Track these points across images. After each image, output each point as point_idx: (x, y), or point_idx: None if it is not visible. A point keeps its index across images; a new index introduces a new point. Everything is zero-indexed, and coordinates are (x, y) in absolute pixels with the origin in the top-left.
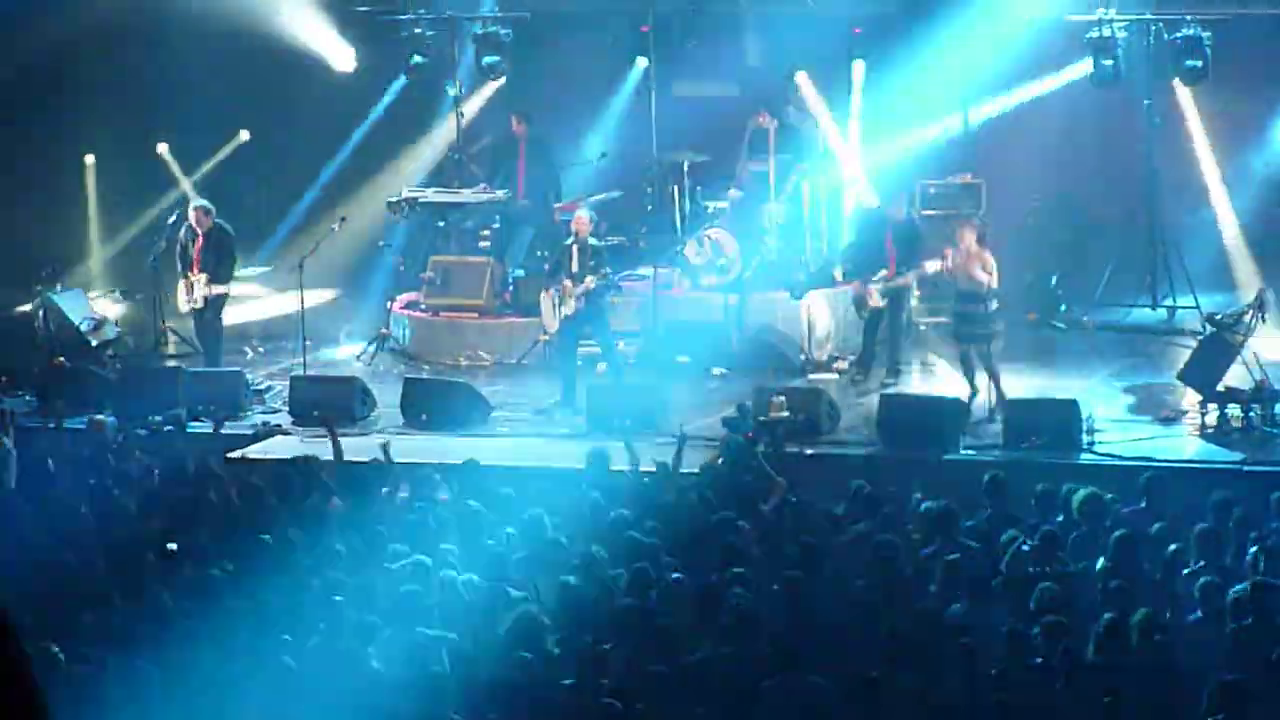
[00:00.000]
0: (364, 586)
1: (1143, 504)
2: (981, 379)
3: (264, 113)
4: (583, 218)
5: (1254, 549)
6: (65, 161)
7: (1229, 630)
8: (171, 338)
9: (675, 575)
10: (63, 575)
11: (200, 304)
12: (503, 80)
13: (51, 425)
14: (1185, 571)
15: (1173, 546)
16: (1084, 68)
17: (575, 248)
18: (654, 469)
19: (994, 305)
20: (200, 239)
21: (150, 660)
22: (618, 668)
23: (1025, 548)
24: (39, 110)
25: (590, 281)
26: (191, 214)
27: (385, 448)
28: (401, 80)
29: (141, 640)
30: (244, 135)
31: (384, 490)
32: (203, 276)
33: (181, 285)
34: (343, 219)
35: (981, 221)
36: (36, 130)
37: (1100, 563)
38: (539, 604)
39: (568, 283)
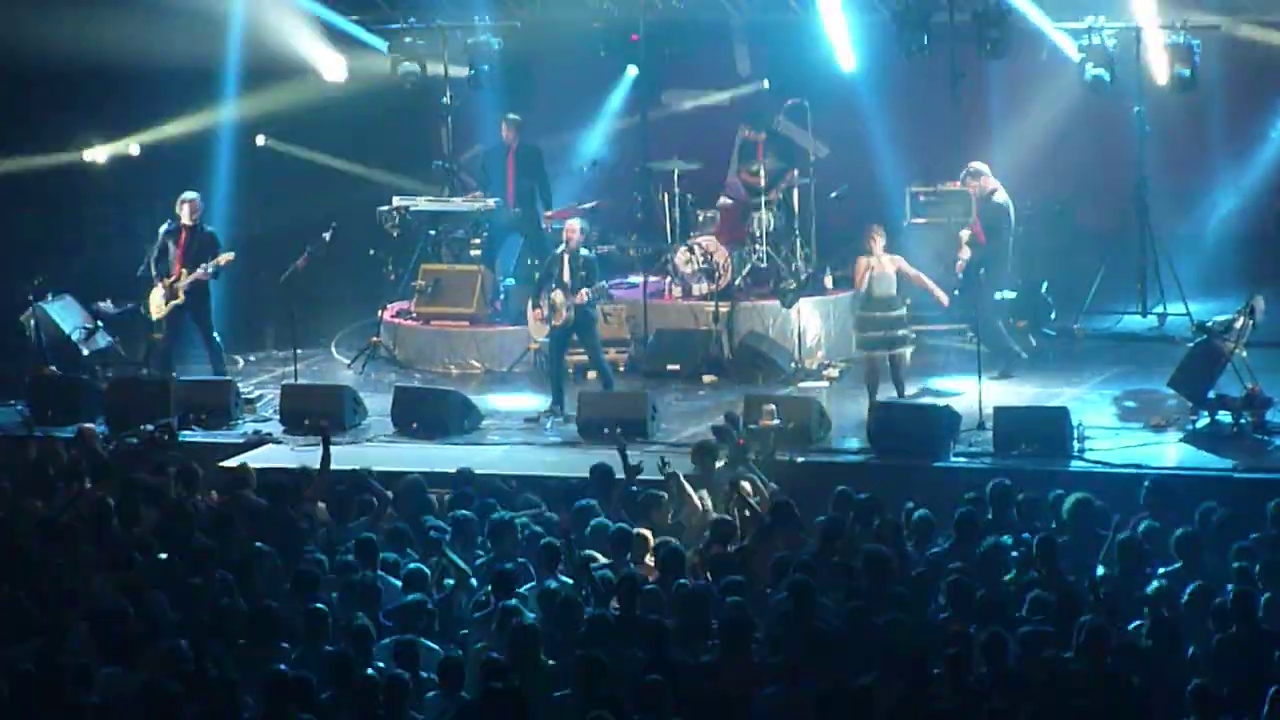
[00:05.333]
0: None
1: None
2: (886, 389)
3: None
4: (573, 227)
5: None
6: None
7: (1214, 639)
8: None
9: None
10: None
11: (181, 297)
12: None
13: (38, 435)
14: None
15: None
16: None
17: (566, 257)
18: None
19: (904, 310)
20: (184, 236)
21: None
22: (610, 676)
23: (1014, 554)
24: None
25: (583, 295)
26: (182, 207)
27: (368, 474)
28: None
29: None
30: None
31: (362, 499)
32: (183, 272)
33: (158, 289)
34: (334, 226)
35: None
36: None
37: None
38: (534, 613)
39: (558, 293)
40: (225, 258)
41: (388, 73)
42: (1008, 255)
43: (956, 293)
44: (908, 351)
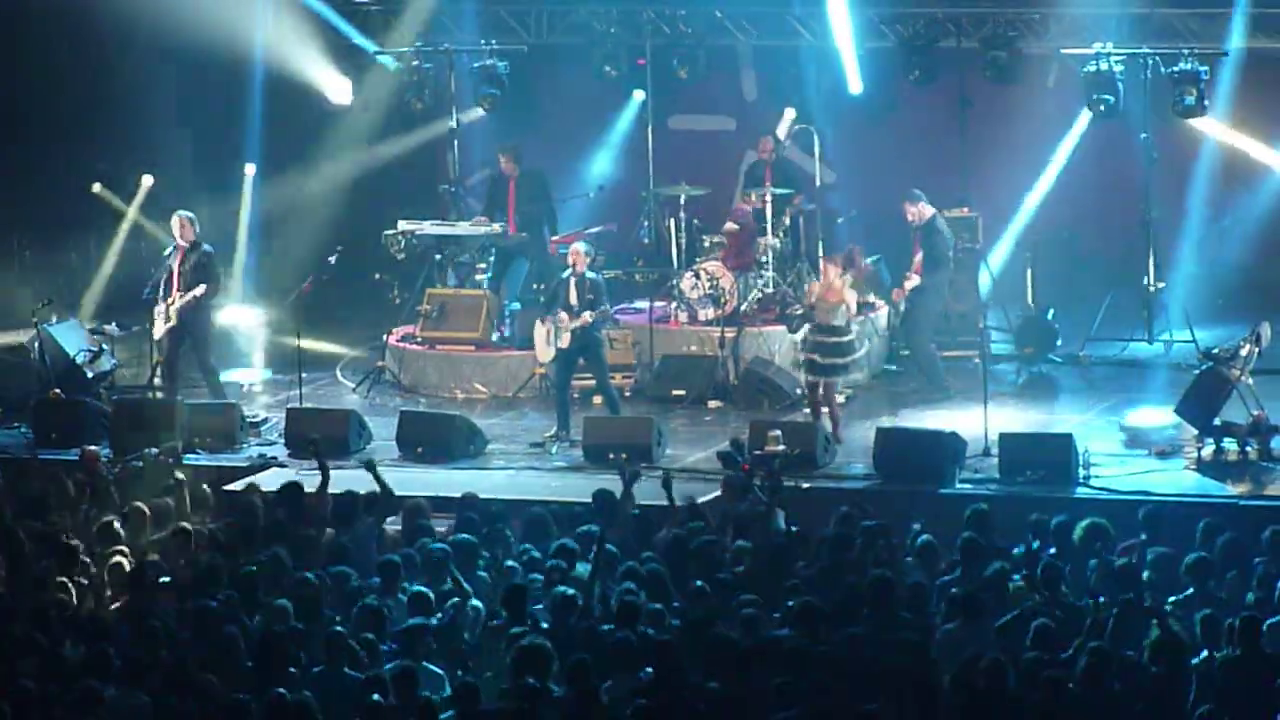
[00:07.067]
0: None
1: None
2: (825, 413)
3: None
4: (579, 250)
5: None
6: (64, 193)
7: (1218, 661)
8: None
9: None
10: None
11: (174, 320)
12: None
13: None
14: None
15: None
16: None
17: (573, 281)
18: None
19: (850, 338)
20: (180, 255)
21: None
22: (616, 702)
23: (1015, 578)
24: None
25: (588, 317)
26: (174, 223)
27: (371, 466)
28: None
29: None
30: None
31: (370, 520)
32: (178, 294)
33: (159, 309)
34: (339, 250)
35: (846, 255)
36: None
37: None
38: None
39: (564, 315)
40: (198, 290)
41: (393, 95)
42: (947, 283)
43: (899, 320)
44: (838, 380)
